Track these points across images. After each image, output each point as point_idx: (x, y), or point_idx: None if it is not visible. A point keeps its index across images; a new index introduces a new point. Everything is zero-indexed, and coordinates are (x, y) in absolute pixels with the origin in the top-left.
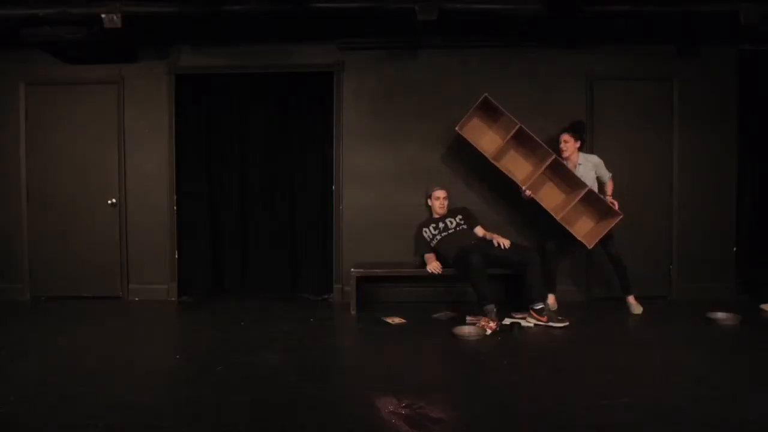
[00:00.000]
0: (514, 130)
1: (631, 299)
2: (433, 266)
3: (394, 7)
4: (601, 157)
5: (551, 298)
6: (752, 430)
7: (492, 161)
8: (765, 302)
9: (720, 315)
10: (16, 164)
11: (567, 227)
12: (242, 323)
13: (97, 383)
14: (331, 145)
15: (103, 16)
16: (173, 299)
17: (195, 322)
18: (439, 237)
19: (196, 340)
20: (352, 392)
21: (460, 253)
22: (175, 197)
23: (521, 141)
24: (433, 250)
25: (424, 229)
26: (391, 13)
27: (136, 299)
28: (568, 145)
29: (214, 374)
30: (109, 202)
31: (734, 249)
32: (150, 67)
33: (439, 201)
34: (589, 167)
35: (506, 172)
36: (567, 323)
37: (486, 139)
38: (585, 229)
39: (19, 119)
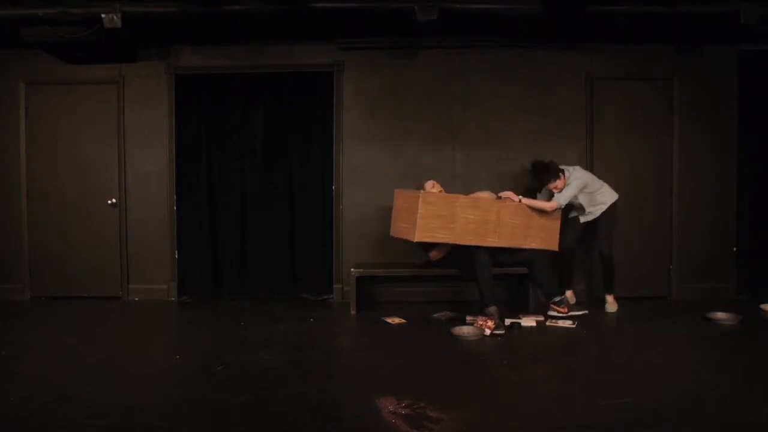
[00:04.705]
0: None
1: (610, 298)
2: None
3: (394, 7)
4: (601, 157)
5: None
6: (752, 430)
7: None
8: (765, 302)
9: (720, 315)
10: (16, 164)
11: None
12: (242, 323)
13: (97, 383)
14: (331, 145)
15: (103, 16)
16: (173, 299)
17: (195, 322)
18: None
19: (196, 340)
20: (352, 392)
21: (463, 252)
22: (175, 197)
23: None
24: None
25: None
26: (391, 13)
27: (136, 299)
28: (560, 186)
29: (214, 374)
30: (109, 202)
31: (734, 249)
32: (150, 67)
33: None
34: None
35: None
36: (586, 311)
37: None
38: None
39: (19, 119)
